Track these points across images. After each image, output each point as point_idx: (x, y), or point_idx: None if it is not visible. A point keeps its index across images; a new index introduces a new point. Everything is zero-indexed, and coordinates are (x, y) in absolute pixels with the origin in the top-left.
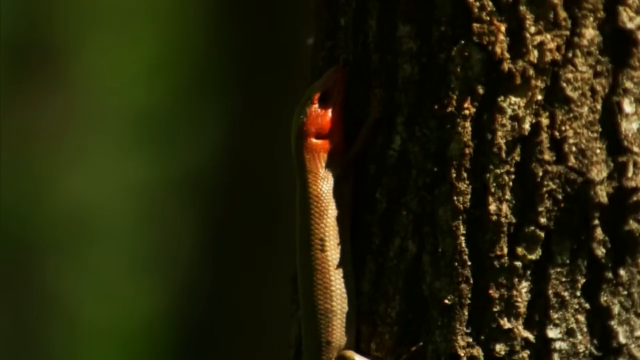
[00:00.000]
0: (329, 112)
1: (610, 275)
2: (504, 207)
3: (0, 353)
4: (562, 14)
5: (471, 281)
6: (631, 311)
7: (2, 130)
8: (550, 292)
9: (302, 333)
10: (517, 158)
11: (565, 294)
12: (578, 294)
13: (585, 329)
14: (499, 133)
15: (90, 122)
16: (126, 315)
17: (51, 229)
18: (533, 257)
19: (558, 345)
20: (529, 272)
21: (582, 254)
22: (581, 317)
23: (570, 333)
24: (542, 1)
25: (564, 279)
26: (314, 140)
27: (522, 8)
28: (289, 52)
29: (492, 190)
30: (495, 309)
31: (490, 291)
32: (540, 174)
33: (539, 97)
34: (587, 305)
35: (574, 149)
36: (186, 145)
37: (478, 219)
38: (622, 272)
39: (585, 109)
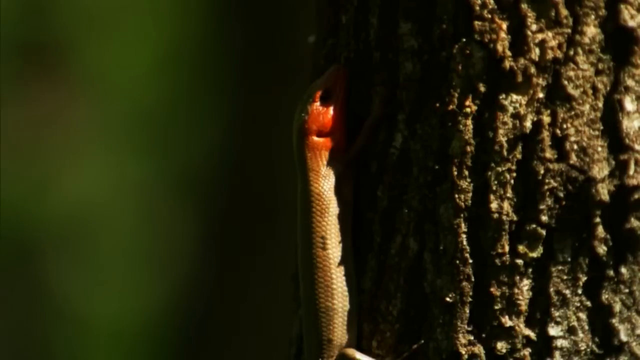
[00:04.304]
0: (331, 110)
1: (611, 273)
2: (506, 205)
3: (2, 351)
4: (564, 11)
5: (472, 279)
6: (632, 309)
7: (2, 129)
8: (551, 290)
9: (304, 331)
10: (519, 156)
11: (567, 291)
12: (579, 291)
13: (586, 327)
14: (501, 131)
15: (91, 121)
16: (126, 313)
17: (51, 227)
18: (534, 255)
19: (559, 343)
20: (530, 270)
21: (584, 251)
22: (582, 315)
23: (571, 331)
24: None
25: (565, 277)
26: (315, 138)
27: (524, 6)
28: (290, 50)
29: (494, 188)
30: (496, 307)
31: (492, 289)
32: (542, 172)
33: (541, 95)
34: (588, 303)
35: (575, 147)
36: (186, 143)
37: (479, 217)
38: (623, 270)
39: (587, 107)
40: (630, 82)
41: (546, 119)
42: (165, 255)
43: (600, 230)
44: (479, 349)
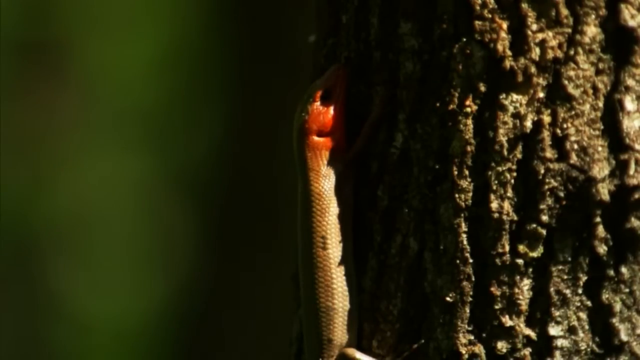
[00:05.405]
0: (331, 110)
1: (611, 272)
2: (506, 205)
3: (2, 351)
4: (564, 11)
5: (473, 279)
6: (633, 309)
7: (2, 129)
8: (551, 289)
9: (304, 331)
10: (519, 155)
11: (567, 291)
12: (580, 291)
13: (586, 327)
14: (501, 130)
15: (91, 120)
16: (127, 312)
17: (51, 226)
18: (535, 254)
19: (560, 342)
20: (530, 269)
21: (584, 251)
22: (583, 315)
23: (571, 330)
24: None
25: (565, 277)
26: (315, 138)
27: (524, 6)
28: (290, 49)
29: (494, 187)
30: (496, 307)
31: (492, 289)
32: (542, 171)
33: (541, 95)
34: (588, 303)
35: (575, 146)
36: (186, 143)
37: (480, 217)
38: (623, 269)
39: (587, 107)
40: (630, 82)
41: (546, 118)
42: (166, 255)
43: (601, 230)
44: (479, 349)
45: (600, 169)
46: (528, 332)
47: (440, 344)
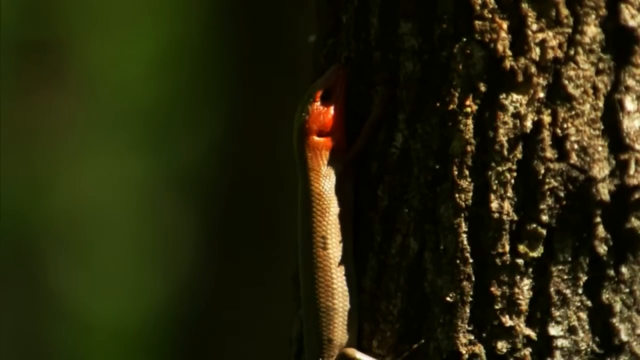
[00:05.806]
0: (331, 110)
1: (612, 272)
2: (506, 205)
3: (2, 350)
4: (564, 11)
5: (473, 279)
6: (633, 309)
7: (2, 129)
8: (552, 289)
9: (304, 331)
10: (519, 155)
11: (567, 291)
12: (580, 291)
13: (587, 327)
14: (501, 130)
15: (91, 120)
16: (127, 312)
17: (52, 226)
18: (535, 254)
19: (560, 342)
20: (530, 269)
21: (584, 251)
22: (583, 315)
23: (572, 330)
24: None
25: (565, 277)
26: (316, 138)
27: (524, 5)
28: (290, 49)
29: (494, 187)
30: (497, 307)
31: (492, 289)
32: (542, 171)
33: (541, 95)
34: (588, 303)
35: (575, 146)
36: (187, 142)
37: (480, 217)
38: (623, 269)
39: (587, 107)
40: (630, 82)
41: (547, 118)
42: (166, 255)
43: (601, 230)
44: (479, 349)
45: (600, 169)
46: (528, 332)
47: (440, 344)
